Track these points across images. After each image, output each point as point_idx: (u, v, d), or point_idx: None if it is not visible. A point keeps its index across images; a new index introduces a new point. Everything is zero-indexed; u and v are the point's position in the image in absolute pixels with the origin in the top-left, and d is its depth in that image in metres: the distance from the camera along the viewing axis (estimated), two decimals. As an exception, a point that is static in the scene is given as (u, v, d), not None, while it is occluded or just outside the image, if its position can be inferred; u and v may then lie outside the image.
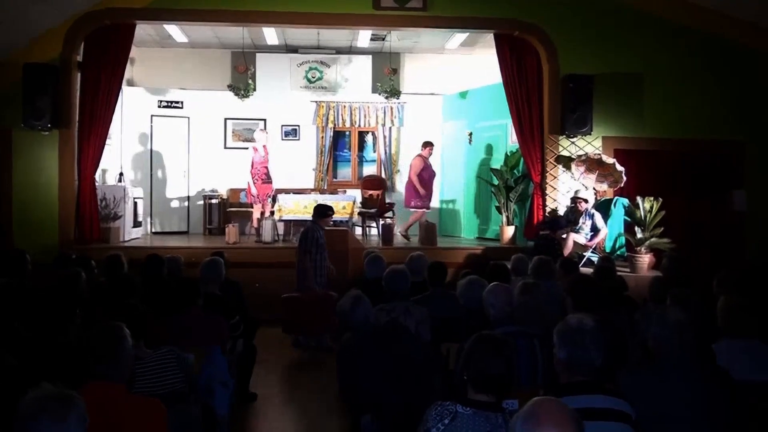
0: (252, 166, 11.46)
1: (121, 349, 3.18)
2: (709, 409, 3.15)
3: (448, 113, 13.57)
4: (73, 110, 10.08)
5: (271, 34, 12.51)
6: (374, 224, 12.65)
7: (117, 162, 12.60)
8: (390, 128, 13.73)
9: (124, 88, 11.88)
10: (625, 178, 9.81)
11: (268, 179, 11.54)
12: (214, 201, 13.05)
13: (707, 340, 4.13)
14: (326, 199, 11.59)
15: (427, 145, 11.64)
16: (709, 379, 3.28)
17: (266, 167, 11.51)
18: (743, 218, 10.56)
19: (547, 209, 10.42)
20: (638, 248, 9.29)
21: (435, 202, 13.54)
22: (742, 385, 3.48)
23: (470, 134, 12.80)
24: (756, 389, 3.64)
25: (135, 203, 11.54)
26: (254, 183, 11.44)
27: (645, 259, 9.23)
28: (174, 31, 12.16)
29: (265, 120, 13.55)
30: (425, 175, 11.56)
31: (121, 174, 12.08)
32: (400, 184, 13.68)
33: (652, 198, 9.35)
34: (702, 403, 3.16)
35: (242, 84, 12.47)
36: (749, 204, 10.56)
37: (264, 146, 11.57)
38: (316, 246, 8.31)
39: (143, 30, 11.75)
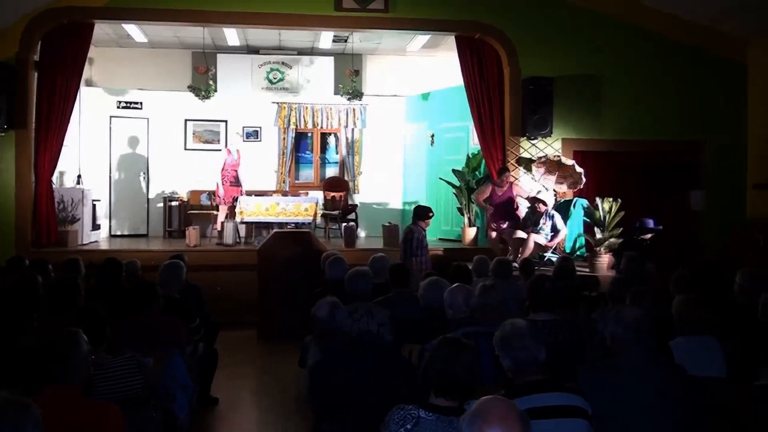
0: (223, 167, 11.46)
1: (77, 354, 3.13)
2: (665, 404, 3.21)
3: (410, 115, 13.61)
4: (29, 111, 9.90)
5: (231, 35, 12.41)
6: (337, 226, 12.62)
7: (75, 164, 12.38)
8: (352, 130, 13.71)
9: (82, 88, 11.69)
10: (584, 180, 9.94)
11: (236, 182, 11.54)
12: (174, 203, 12.89)
13: (664, 338, 4.20)
14: (288, 201, 11.55)
15: (501, 172, 10.14)
16: (665, 375, 3.33)
17: (236, 171, 11.52)
18: (700, 217, 10.77)
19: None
20: (597, 248, 9.41)
21: (397, 203, 13.61)
22: (698, 381, 3.55)
23: (432, 136, 12.85)
24: (711, 384, 3.71)
25: (93, 206, 11.40)
26: (222, 184, 11.42)
27: (604, 259, 9.36)
28: (133, 30, 11.99)
29: (226, 121, 13.45)
30: (494, 202, 10.06)
31: (79, 176, 11.89)
32: (363, 185, 13.69)
33: (611, 199, 9.48)
34: (659, 399, 3.21)
35: (203, 85, 12.33)
36: (706, 203, 10.78)
37: (237, 150, 11.61)
38: (420, 248, 8.44)
39: (102, 29, 11.57)
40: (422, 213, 8.82)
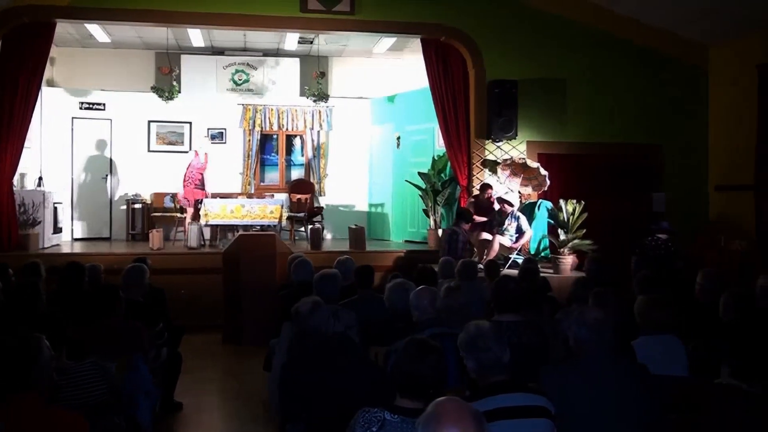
0: (187, 168, 11.42)
1: (39, 360, 3.08)
2: (627, 403, 3.25)
3: (376, 117, 13.62)
4: (-11, 112, 9.73)
5: (196, 36, 12.31)
6: (303, 229, 12.58)
7: (36, 165, 12.20)
8: (318, 132, 13.68)
9: (44, 89, 11.52)
10: (548, 182, 10.02)
11: (201, 186, 11.45)
12: (137, 206, 12.75)
13: (627, 337, 4.25)
14: (253, 204, 11.47)
15: (484, 188, 10.23)
16: (627, 374, 3.38)
17: (202, 174, 11.45)
18: (662, 219, 10.91)
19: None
20: (561, 250, 9.50)
21: (363, 206, 13.61)
22: (659, 379, 3.60)
23: (398, 138, 12.88)
24: (673, 383, 3.77)
25: (55, 208, 11.21)
26: (184, 186, 11.34)
27: (568, 260, 9.45)
28: (96, 30, 11.84)
29: (190, 123, 13.34)
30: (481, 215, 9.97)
31: (40, 178, 11.69)
32: (329, 188, 13.66)
33: (574, 201, 9.58)
34: (620, 398, 3.25)
35: (166, 86, 12.19)
36: (667, 205, 10.95)
37: (205, 153, 11.60)
38: (464, 250, 8.74)
39: (64, 29, 11.43)
40: (467, 215, 8.92)
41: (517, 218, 9.65)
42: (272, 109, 13.49)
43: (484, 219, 9.88)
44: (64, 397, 3.68)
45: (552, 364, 3.79)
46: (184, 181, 11.43)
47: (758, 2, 9.32)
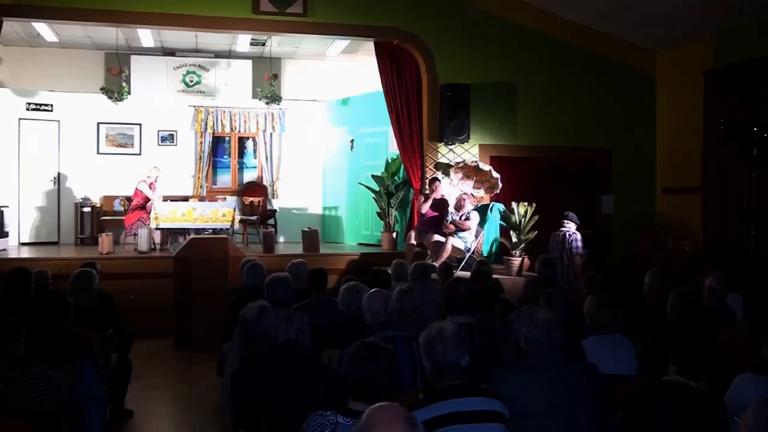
0: (136, 197, 11.54)
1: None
2: (576, 402, 3.29)
3: (329, 120, 13.59)
4: (-71, 113, 9.46)
5: (146, 36, 12.12)
6: (255, 232, 12.49)
7: (-20, 169, 11.91)
8: (271, 134, 13.60)
9: (-11, 89, 11.26)
10: (500, 185, 10.12)
11: (143, 207, 11.36)
12: (86, 209, 12.50)
13: (576, 337, 4.32)
14: (205, 207, 11.35)
15: (432, 182, 10.25)
16: (576, 374, 3.43)
17: (145, 201, 11.48)
18: (610, 220, 11.13)
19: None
20: (513, 251, 9.59)
21: (317, 208, 13.58)
22: (608, 378, 3.65)
23: (352, 141, 12.87)
24: (621, 381, 3.83)
25: (1, 212, 10.98)
26: (129, 209, 11.58)
27: (520, 261, 9.55)
28: (43, 29, 11.58)
29: (140, 125, 13.14)
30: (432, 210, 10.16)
31: (-16, 181, 11.43)
32: (282, 190, 13.59)
33: (526, 203, 9.68)
34: (570, 398, 3.29)
35: (116, 87, 11.99)
36: (615, 206, 11.15)
37: (151, 184, 11.58)
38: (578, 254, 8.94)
39: (10, 27, 11.16)
40: (574, 216, 9.19)
41: (468, 215, 9.68)
42: (224, 111, 13.37)
43: (435, 214, 9.94)
44: (8, 405, 3.60)
45: (503, 365, 3.83)
46: (131, 205, 11.54)
47: (704, 10, 9.56)
